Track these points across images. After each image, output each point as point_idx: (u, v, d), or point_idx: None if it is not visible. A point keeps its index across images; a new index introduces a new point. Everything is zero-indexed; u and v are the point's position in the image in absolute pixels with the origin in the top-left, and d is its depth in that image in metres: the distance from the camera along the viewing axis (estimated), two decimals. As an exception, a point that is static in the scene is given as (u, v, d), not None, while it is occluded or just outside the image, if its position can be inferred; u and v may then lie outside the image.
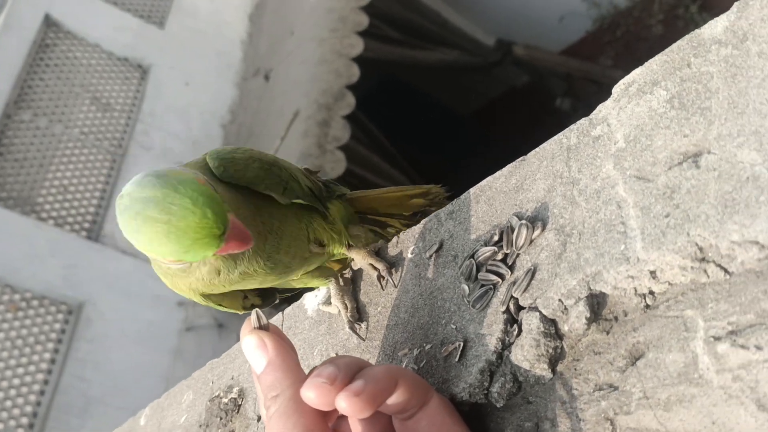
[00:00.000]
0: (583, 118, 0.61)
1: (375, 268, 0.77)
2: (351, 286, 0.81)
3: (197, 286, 0.69)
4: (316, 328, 0.82)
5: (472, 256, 0.64)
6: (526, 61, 6.07)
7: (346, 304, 0.79)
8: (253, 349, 0.56)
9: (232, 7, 6.86)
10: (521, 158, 0.67)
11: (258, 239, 0.66)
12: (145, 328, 4.54)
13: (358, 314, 0.78)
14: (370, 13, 5.33)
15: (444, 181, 1.00)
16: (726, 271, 0.47)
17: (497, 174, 0.68)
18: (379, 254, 0.79)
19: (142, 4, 6.12)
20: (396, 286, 0.74)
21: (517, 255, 0.61)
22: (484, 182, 0.70)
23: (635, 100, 0.58)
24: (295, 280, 0.83)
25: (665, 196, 0.51)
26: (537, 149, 0.65)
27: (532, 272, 0.58)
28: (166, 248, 0.58)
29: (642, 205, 0.52)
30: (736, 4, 0.53)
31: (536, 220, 0.60)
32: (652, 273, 0.50)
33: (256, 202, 0.70)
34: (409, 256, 0.74)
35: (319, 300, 0.85)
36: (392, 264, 0.76)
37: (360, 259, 0.80)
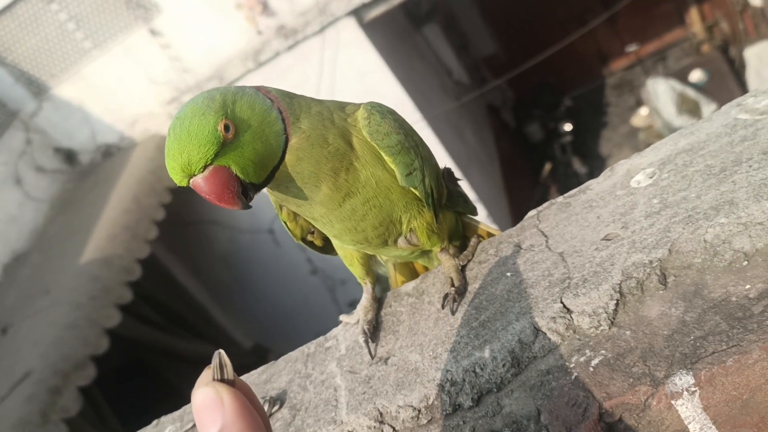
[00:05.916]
0: (321, 336, 0.88)
1: (452, 284, 0.79)
2: (377, 305, 0.85)
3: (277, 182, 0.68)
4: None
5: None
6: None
7: (368, 316, 0.82)
8: (204, 406, 0.40)
9: (-14, 254, 6.56)
10: (273, 362, 0.90)
11: (334, 191, 0.69)
12: None
13: (375, 331, 0.81)
14: (136, 291, 5.42)
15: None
16: (394, 429, 0.71)
17: (253, 372, 0.90)
18: (463, 271, 0.81)
19: None
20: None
21: (258, 424, 0.80)
22: (242, 377, 0.90)
23: (353, 329, 0.86)
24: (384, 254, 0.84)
25: (365, 381, 0.76)
26: (285, 356, 0.89)
27: (267, 435, 0.77)
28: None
29: (350, 388, 0.77)
30: (421, 276, 0.86)
31: (277, 400, 0.82)
32: (350, 432, 0.73)
33: (369, 163, 0.71)
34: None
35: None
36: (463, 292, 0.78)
37: (447, 266, 0.81)
